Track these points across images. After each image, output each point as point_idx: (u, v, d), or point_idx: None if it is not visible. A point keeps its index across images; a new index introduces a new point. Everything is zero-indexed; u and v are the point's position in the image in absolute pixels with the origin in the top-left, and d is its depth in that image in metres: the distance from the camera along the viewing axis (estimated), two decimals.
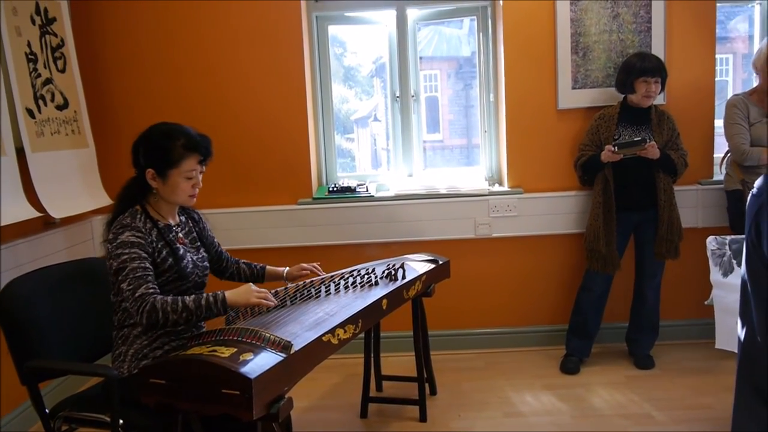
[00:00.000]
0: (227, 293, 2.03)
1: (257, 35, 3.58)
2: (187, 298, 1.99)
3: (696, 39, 3.52)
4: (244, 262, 2.56)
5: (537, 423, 2.90)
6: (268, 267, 2.59)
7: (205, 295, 2.01)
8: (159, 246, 2.10)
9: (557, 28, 3.50)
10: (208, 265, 2.32)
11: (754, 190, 1.71)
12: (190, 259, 2.19)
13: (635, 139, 3.18)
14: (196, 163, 2.14)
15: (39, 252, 3.06)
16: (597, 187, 3.33)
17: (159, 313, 1.94)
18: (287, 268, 2.56)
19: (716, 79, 3.62)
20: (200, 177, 2.19)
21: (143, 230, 2.07)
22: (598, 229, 3.30)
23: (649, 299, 3.42)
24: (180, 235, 2.22)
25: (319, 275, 2.57)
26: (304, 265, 2.58)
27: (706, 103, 3.56)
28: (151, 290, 1.98)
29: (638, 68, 3.25)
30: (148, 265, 2.03)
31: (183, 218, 2.30)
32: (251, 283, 2.10)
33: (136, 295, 1.96)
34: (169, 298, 1.97)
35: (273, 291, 2.40)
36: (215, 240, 2.47)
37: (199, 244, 2.31)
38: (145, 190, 2.17)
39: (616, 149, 3.16)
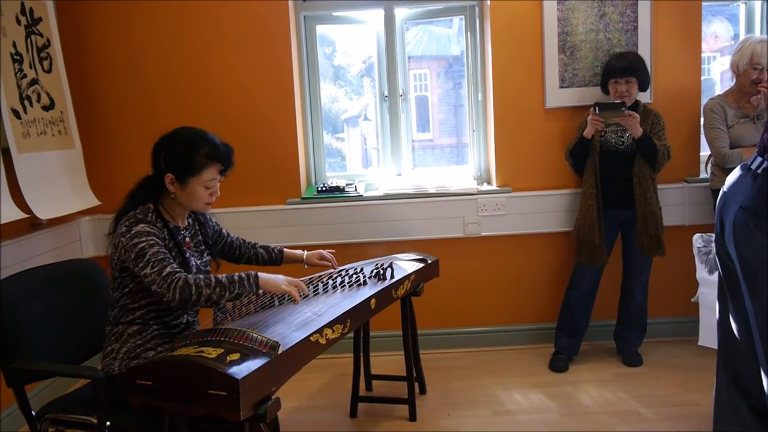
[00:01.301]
0: (260, 273, 2.04)
1: (245, 35, 3.57)
2: (219, 275, 1.99)
3: (682, 38, 3.54)
4: (261, 246, 2.60)
5: (526, 421, 2.91)
6: (286, 250, 2.64)
7: (236, 273, 2.01)
8: (170, 245, 2.10)
9: (544, 27, 3.52)
10: (210, 270, 2.32)
11: (724, 186, 1.76)
12: (194, 264, 2.20)
13: (615, 101, 3.20)
14: (217, 173, 2.14)
15: (26, 253, 3.04)
16: (588, 180, 3.33)
17: (192, 288, 1.92)
18: (306, 252, 2.62)
19: (703, 77, 3.64)
20: (218, 186, 2.19)
21: (156, 226, 2.08)
22: (593, 221, 3.29)
23: (637, 297, 3.43)
24: (187, 239, 2.22)
25: (335, 268, 2.62)
26: (324, 253, 2.65)
27: (692, 101, 3.58)
28: (177, 270, 1.97)
29: (609, 69, 3.32)
30: (166, 251, 2.03)
31: (190, 221, 2.30)
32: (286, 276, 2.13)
33: (164, 273, 1.94)
34: (201, 275, 1.97)
35: (261, 291, 2.41)
36: (223, 231, 2.49)
37: (203, 248, 2.31)
38: (159, 190, 2.16)
39: (597, 111, 3.18)
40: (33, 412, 2.04)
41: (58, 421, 2.05)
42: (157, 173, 2.15)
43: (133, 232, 2.02)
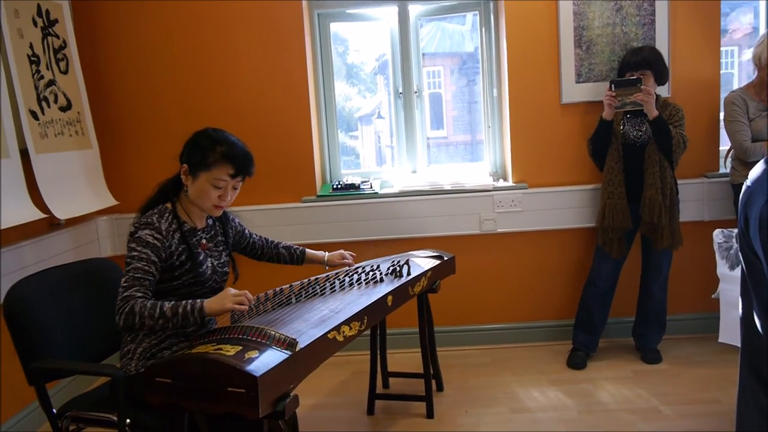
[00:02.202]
0: (206, 301, 1.97)
1: (259, 34, 3.57)
2: (166, 304, 1.94)
3: (700, 31, 3.50)
4: (283, 246, 2.61)
5: (544, 419, 2.90)
6: (308, 251, 2.65)
7: (183, 302, 1.96)
8: (179, 250, 2.10)
9: (560, 22, 3.49)
10: (228, 270, 2.31)
11: (748, 180, 1.73)
12: (209, 265, 2.19)
13: (631, 78, 3.19)
14: (227, 175, 2.10)
15: (44, 253, 3.07)
16: (613, 167, 3.28)
17: (136, 317, 1.92)
18: (327, 253, 2.63)
19: (721, 71, 3.59)
20: (232, 193, 2.17)
21: (164, 232, 2.07)
22: (623, 207, 3.25)
23: (656, 294, 3.40)
24: (203, 240, 2.22)
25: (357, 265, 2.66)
26: (346, 253, 2.65)
27: (711, 95, 3.54)
28: (140, 294, 1.96)
29: (624, 63, 3.32)
30: (152, 270, 2.01)
31: (210, 221, 2.29)
32: (229, 288, 2.03)
33: (124, 294, 1.95)
34: (149, 303, 1.94)
35: (279, 288, 2.41)
36: (246, 231, 2.49)
37: (222, 248, 2.30)
38: (179, 188, 2.17)
39: (613, 88, 3.17)
40: (54, 410, 2.05)
41: (79, 419, 2.07)
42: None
43: (136, 236, 2.04)
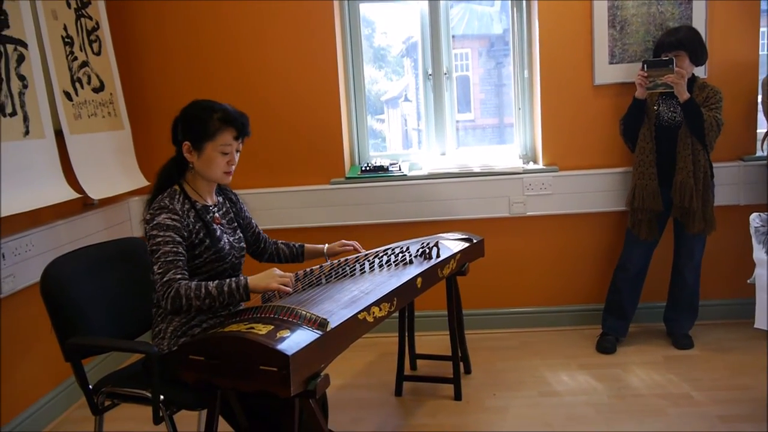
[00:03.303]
0: (250, 278, 2.01)
1: (288, 14, 3.56)
2: (210, 284, 1.98)
3: (740, 10, 3.40)
4: (282, 243, 2.56)
5: (573, 402, 2.88)
6: (306, 245, 2.58)
7: (228, 281, 1.99)
8: (197, 227, 2.10)
9: (593, 2, 3.42)
10: (244, 246, 2.31)
11: None
12: (226, 240, 2.20)
13: (663, 59, 3.14)
14: (232, 138, 2.13)
15: (78, 233, 3.12)
16: (645, 147, 3.22)
17: (183, 300, 1.94)
18: (326, 245, 2.56)
19: (761, 53, 3.50)
20: (236, 155, 2.18)
21: (180, 212, 2.07)
22: (654, 189, 3.21)
23: (689, 279, 3.35)
24: (217, 215, 2.23)
25: (360, 252, 2.57)
26: (345, 241, 2.58)
27: (750, 77, 3.45)
28: (179, 276, 1.98)
29: (659, 44, 3.24)
30: (181, 249, 2.03)
31: (220, 199, 2.30)
32: (275, 268, 2.07)
33: (164, 279, 1.96)
34: (193, 284, 1.97)
35: (309, 269, 2.42)
36: (253, 221, 2.46)
37: (235, 224, 2.31)
38: (183, 169, 2.18)
39: (645, 68, 3.13)
40: (90, 386, 2.09)
41: (114, 395, 2.11)
42: (177, 148, 2.16)
43: (154, 222, 2.04)
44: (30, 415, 2.84)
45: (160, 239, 2.01)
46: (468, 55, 4.46)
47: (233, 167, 2.18)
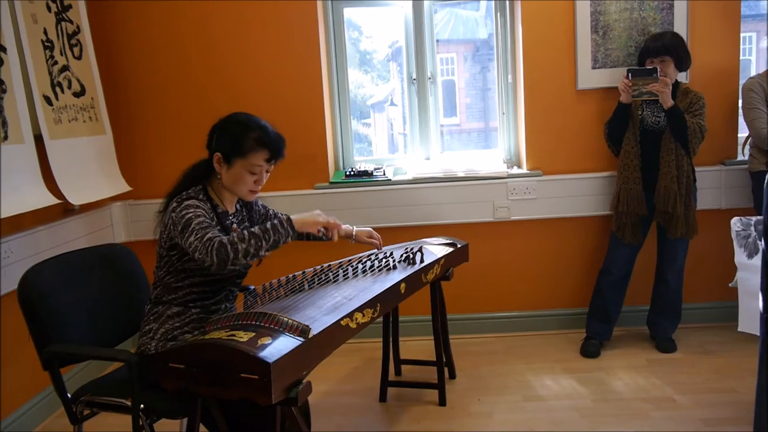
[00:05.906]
0: (294, 215, 2.06)
1: (272, 18, 3.55)
2: (252, 227, 2.00)
3: (720, 17, 3.44)
4: None
5: (557, 407, 2.88)
6: None
7: (269, 221, 2.02)
8: (216, 226, 2.10)
9: (576, 7, 3.44)
10: None
11: None
12: None
13: (648, 68, 3.16)
14: (263, 160, 2.12)
15: (59, 239, 3.08)
16: (629, 152, 3.24)
17: (228, 247, 1.92)
18: (355, 227, 2.56)
19: (741, 57, 3.53)
20: (266, 176, 2.18)
21: (205, 207, 2.09)
22: (638, 192, 3.23)
23: (672, 282, 3.36)
24: (234, 224, 2.22)
25: (380, 249, 2.62)
26: (373, 232, 2.61)
27: (730, 82, 3.48)
28: (217, 234, 1.97)
29: (643, 49, 3.27)
30: (213, 222, 2.05)
31: (238, 206, 2.30)
32: (318, 210, 2.14)
33: (204, 239, 1.94)
34: (234, 233, 1.98)
35: (291, 275, 2.40)
36: (270, 211, 2.45)
37: None
38: (210, 174, 2.18)
39: (630, 77, 3.14)
40: (69, 395, 2.06)
41: (93, 403, 2.08)
42: (210, 154, 2.16)
43: (183, 205, 2.05)
44: (9, 425, 2.79)
45: (191, 213, 2.01)
46: (454, 59, 4.47)
47: (259, 187, 2.18)
